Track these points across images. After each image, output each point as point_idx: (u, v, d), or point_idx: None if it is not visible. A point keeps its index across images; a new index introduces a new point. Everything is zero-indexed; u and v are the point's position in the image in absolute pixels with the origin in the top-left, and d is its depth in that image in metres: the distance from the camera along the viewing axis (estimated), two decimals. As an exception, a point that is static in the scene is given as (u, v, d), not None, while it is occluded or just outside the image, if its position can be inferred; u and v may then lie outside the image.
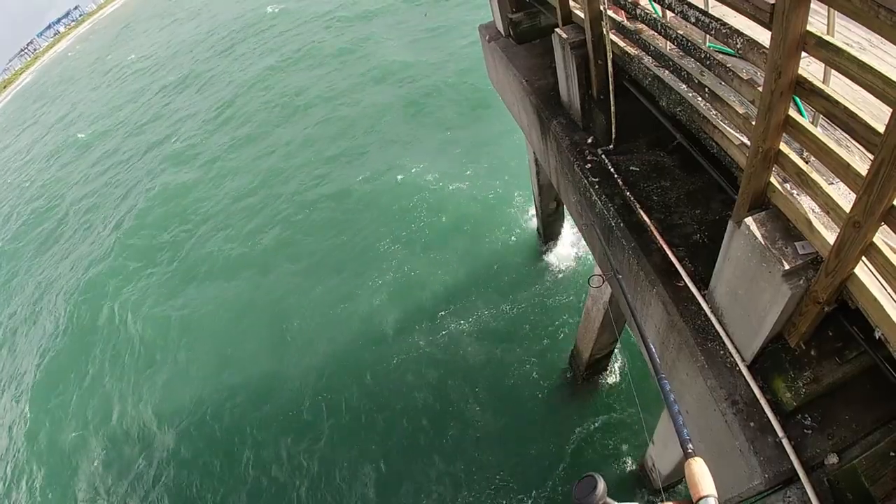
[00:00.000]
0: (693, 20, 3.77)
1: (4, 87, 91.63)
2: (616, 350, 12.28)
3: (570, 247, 15.78)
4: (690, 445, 3.10)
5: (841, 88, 2.80)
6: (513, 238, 17.11)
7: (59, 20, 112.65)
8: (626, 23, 5.13)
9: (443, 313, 15.73)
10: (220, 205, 24.61)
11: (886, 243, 2.76)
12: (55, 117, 52.07)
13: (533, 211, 16.20)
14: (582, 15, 5.54)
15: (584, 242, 14.66)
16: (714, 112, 4.17)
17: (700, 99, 4.33)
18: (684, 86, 4.53)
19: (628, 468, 11.22)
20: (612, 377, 12.74)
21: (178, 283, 20.91)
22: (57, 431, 17.62)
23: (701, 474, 2.86)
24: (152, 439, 15.85)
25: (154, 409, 16.61)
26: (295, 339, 16.78)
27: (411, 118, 24.83)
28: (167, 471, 14.85)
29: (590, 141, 6.35)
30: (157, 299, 20.49)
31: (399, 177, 21.08)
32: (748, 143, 3.68)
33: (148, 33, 64.84)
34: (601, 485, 3.16)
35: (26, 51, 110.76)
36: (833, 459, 3.60)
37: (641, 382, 11.96)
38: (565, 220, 15.19)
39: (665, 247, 4.86)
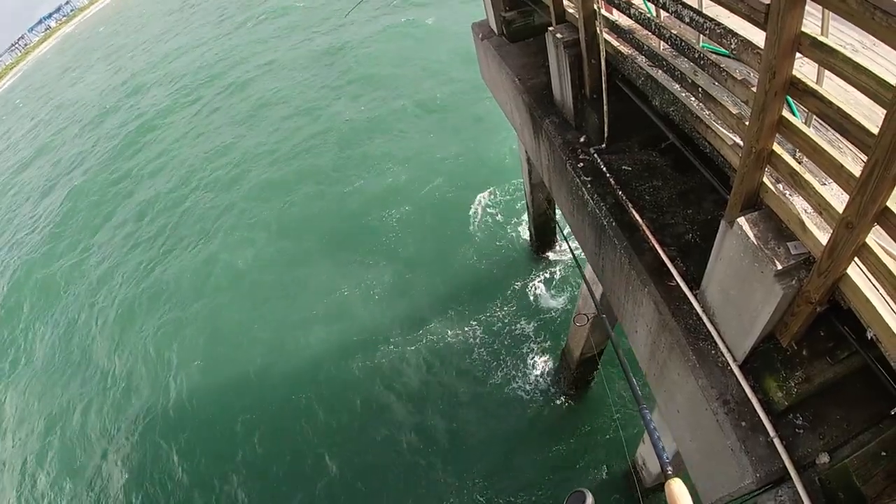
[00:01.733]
0: (688, 20, 3.77)
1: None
2: (606, 349, 12.27)
3: (560, 245, 15.78)
4: (670, 468, 3.50)
5: (832, 90, 2.81)
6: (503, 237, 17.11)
7: (50, 15, 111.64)
8: (619, 22, 5.14)
9: (430, 316, 15.75)
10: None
11: (879, 244, 2.77)
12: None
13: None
14: (576, 14, 5.54)
15: (575, 241, 14.73)
16: (707, 112, 4.17)
17: (693, 99, 4.33)
18: (677, 85, 4.54)
19: (618, 467, 11.23)
20: (602, 377, 12.74)
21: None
22: None
23: (680, 494, 3.21)
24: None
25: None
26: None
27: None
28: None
29: (582, 140, 6.35)
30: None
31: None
32: (741, 143, 3.69)
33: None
34: (590, 499, 3.37)
35: (17, 46, 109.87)
36: (824, 459, 3.61)
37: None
38: (557, 218, 15.18)
39: (657, 246, 4.86)
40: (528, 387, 13.36)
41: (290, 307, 17.63)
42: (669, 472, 3.49)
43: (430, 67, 28.17)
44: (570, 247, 9.02)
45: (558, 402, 12.85)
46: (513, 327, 14.59)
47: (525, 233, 16.81)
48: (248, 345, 17.03)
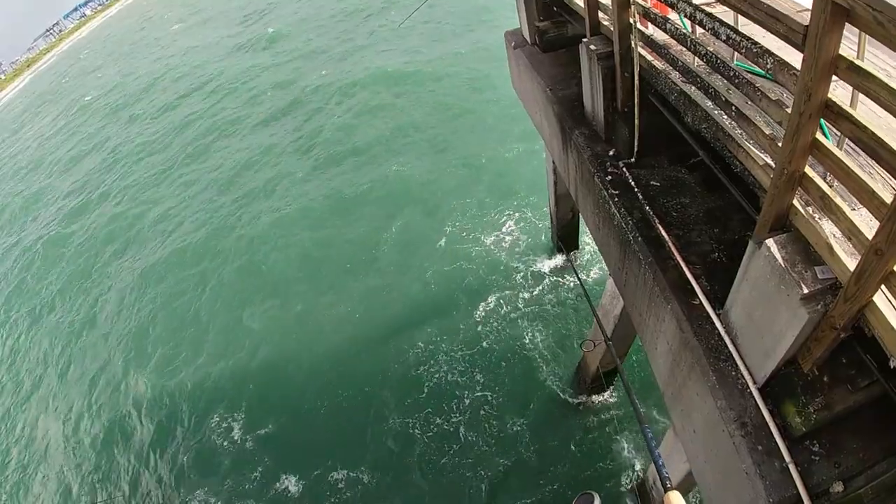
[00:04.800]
0: (724, 38, 3.75)
1: (28, 66, 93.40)
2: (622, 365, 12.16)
3: (584, 257, 15.70)
4: (669, 481, 3.81)
5: (864, 114, 2.78)
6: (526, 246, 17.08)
7: (85, 2, 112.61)
8: (654, 36, 5.12)
9: (448, 317, 15.74)
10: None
11: (907, 273, 2.73)
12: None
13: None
14: (611, 27, 5.53)
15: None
16: (740, 131, 4.14)
17: (726, 117, 4.31)
18: (710, 103, 4.51)
19: (627, 485, 11.14)
20: (618, 392, 12.64)
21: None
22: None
23: None
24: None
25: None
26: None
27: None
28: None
29: (611, 153, 6.33)
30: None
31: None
32: (772, 164, 3.66)
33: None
34: (597, 502, 3.61)
35: (51, 31, 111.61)
36: (839, 488, 3.57)
37: (645, 398, 11.90)
38: (581, 230, 15.11)
39: (682, 263, 4.83)
40: (541, 394, 13.30)
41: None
42: (668, 485, 3.75)
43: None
44: (579, 279, 8.92)
45: (572, 412, 12.76)
46: (529, 334, 14.50)
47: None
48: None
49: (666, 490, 3.70)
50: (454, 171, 21.54)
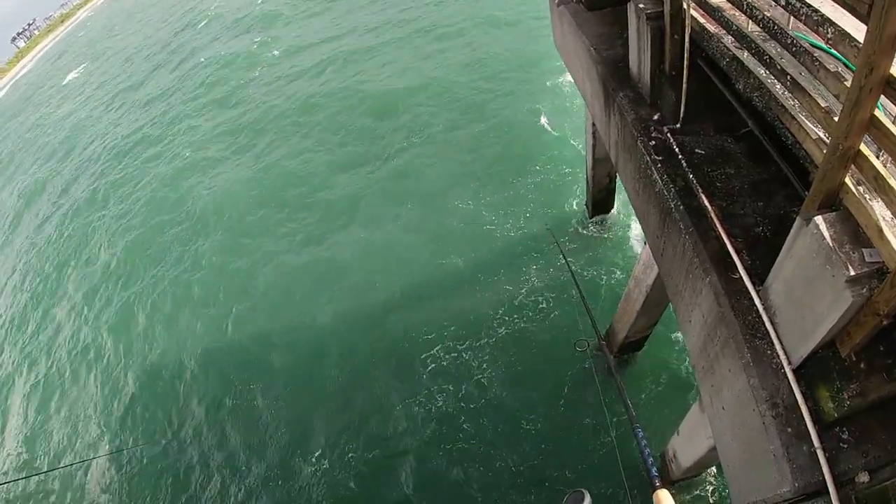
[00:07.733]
0: (783, 3, 3.59)
1: (62, 21, 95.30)
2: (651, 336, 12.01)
3: (618, 223, 15.49)
4: (658, 480, 4.09)
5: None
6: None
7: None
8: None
9: (475, 281, 15.74)
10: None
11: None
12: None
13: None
14: (662, -15, 5.34)
15: (634, 218, 14.45)
16: (794, 102, 3.98)
17: (780, 86, 4.14)
18: (764, 71, 4.34)
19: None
20: (644, 361, 12.52)
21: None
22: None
23: (666, 502, 3.82)
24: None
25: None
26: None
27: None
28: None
29: (656, 118, 6.15)
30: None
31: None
32: (826, 138, 3.52)
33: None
34: (587, 500, 3.85)
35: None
36: (864, 478, 3.50)
37: (673, 370, 11.81)
38: (616, 195, 14.88)
39: (724, 235, 4.70)
40: (571, 349, 13.23)
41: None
42: (657, 484, 4.02)
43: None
44: (574, 278, 8.63)
45: (603, 367, 12.63)
46: (558, 304, 14.39)
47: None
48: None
49: (654, 489, 3.93)
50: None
